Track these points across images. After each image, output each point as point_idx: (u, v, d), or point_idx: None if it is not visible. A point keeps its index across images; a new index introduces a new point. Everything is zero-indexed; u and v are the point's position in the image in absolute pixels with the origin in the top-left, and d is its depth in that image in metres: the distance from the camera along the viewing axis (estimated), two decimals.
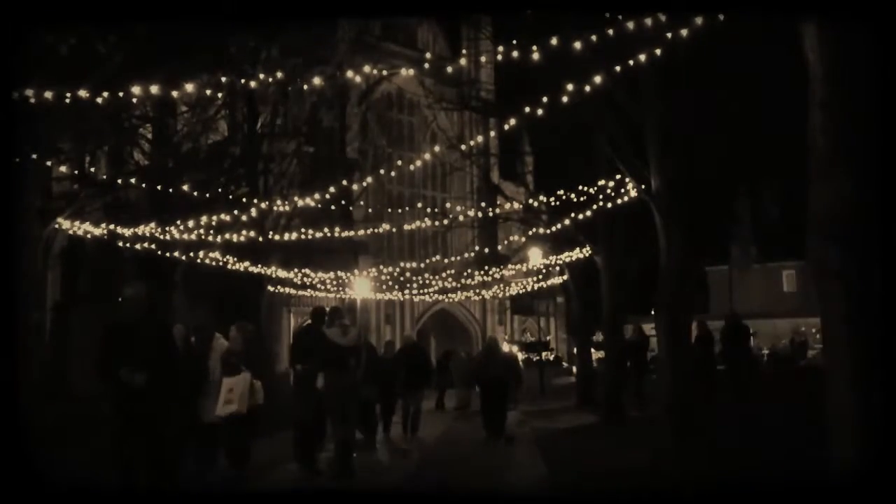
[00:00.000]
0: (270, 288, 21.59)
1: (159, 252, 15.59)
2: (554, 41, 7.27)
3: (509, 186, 26.96)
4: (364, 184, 21.63)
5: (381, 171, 27.47)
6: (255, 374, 8.27)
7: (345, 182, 16.45)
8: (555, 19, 8.84)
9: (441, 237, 40.11)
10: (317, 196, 13.31)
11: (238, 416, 7.98)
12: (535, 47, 7.35)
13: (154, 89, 7.63)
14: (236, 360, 8.16)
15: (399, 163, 16.14)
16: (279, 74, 10.41)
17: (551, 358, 36.04)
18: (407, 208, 36.13)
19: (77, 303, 23.01)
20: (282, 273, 20.91)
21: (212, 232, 14.65)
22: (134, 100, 8.77)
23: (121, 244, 15.47)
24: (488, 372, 13.04)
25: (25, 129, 9.04)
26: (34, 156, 9.91)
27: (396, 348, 14.90)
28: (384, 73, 14.10)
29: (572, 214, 15.11)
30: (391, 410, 13.04)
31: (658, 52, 7.48)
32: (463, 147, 21.41)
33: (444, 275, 30.37)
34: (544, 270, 26.14)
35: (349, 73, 8.58)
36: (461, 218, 23.77)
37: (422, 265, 28.33)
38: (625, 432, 12.35)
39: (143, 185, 15.06)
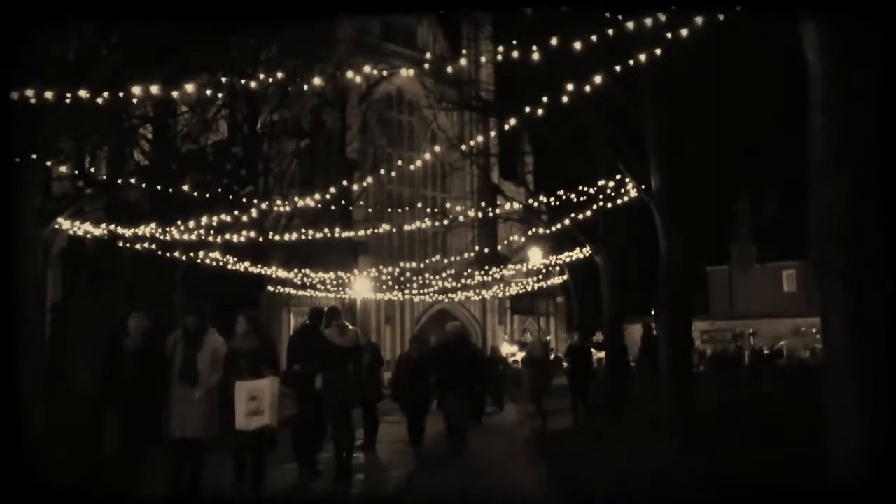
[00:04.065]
0: (270, 288, 21.57)
1: (159, 252, 15.57)
2: (554, 41, 7.27)
3: (509, 186, 26.94)
4: (364, 184, 21.62)
5: (381, 171, 27.47)
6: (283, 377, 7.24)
7: (345, 182, 16.45)
8: (555, 19, 8.84)
9: (441, 237, 40.09)
10: (317, 196, 13.30)
11: (269, 430, 6.95)
12: (535, 47, 7.35)
13: (154, 89, 7.63)
14: (248, 362, 6.91)
15: (399, 163, 16.15)
16: (279, 74, 10.41)
17: (551, 358, 36.01)
18: (407, 208, 36.10)
19: (77, 303, 22.98)
20: (282, 273, 20.91)
21: (212, 232, 14.63)
22: (134, 100, 8.76)
23: (121, 244, 15.45)
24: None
25: (25, 129, 9.02)
26: (34, 156, 9.90)
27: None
28: (384, 73, 14.09)
29: (572, 214, 15.10)
30: (414, 420, 11.32)
31: (658, 52, 7.48)
32: (463, 147, 21.40)
33: (444, 275, 30.36)
34: (544, 270, 26.14)
35: (349, 73, 8.58)
36: (461, 218, 23.77)
37: (422, 265, 28.32)
38: (625, 432, 12.34)
39: (143, 185, 15.05)
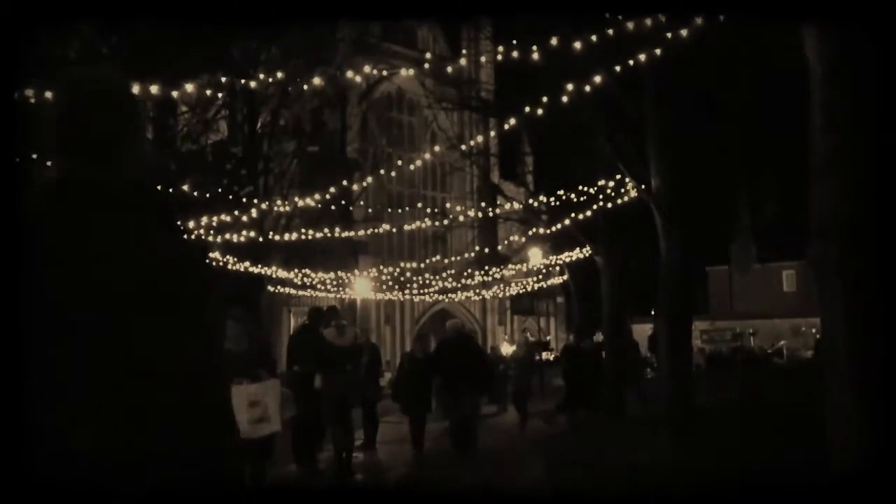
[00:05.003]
0: (270, 288, 21.58)
1: None
2: (554, 41, 7.28)
3: (509, 186, 26.95)
4: (364, 184, 21.64)
5: (381, 171, 27.48)
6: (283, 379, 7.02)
7: (345, 182, 16.45)
8: (555, 19, 8.85)
9: (441, 237, 40.11)
10: (317, 196, 13.31)
11: (274, 435, 6.76)
12: (535, 47, 7.36)
13: (154, 89, 7.63)
14: (243, 364, 6.54)
15: (399, 163, 16.14)
16: (280, 75, 10.42)
17: (551, 358, 36.04)
18: (407, 208, 36.10)
19: None
20: (282, 273, 20.92)
21: (212, 232, 14.64)
22: None
23: None
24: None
25: (26, 129, 9.04)
26: (34, 156, 9.92)
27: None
28: (384, 73, 14.11)
29: (572, 214, 15.09)
30: (416, 420, 10.92)
31: (658, 52, 7.48)
32: (463, 147, 21.40)
33: (444, 275, 30.36)
34: (544, 270, 26.14)
35: (349, 74, 8.59)
36: (461, 218, 23.77)
37: (422, 265, 28.32)
38: (625, 432, 12.34)
39: None
